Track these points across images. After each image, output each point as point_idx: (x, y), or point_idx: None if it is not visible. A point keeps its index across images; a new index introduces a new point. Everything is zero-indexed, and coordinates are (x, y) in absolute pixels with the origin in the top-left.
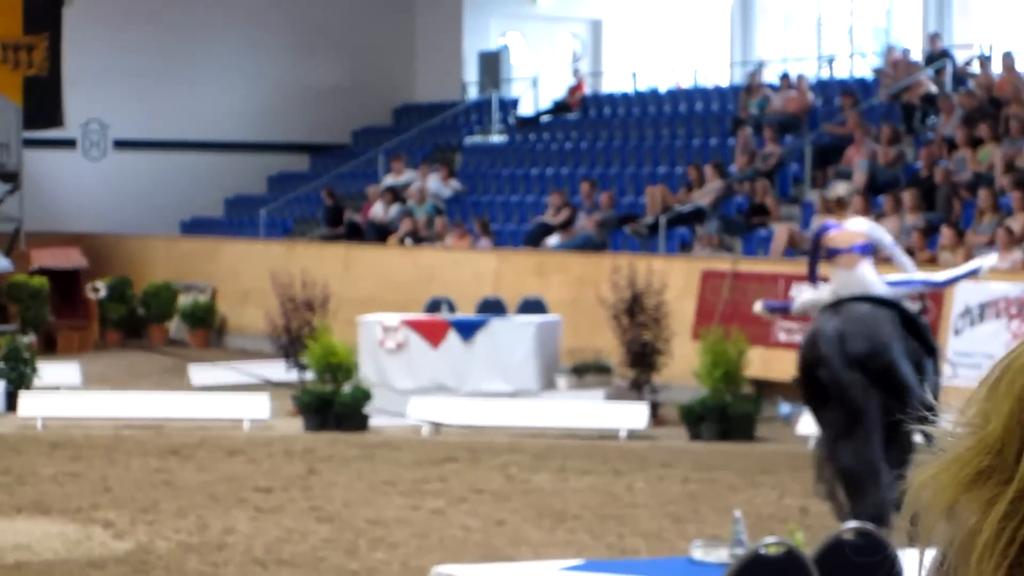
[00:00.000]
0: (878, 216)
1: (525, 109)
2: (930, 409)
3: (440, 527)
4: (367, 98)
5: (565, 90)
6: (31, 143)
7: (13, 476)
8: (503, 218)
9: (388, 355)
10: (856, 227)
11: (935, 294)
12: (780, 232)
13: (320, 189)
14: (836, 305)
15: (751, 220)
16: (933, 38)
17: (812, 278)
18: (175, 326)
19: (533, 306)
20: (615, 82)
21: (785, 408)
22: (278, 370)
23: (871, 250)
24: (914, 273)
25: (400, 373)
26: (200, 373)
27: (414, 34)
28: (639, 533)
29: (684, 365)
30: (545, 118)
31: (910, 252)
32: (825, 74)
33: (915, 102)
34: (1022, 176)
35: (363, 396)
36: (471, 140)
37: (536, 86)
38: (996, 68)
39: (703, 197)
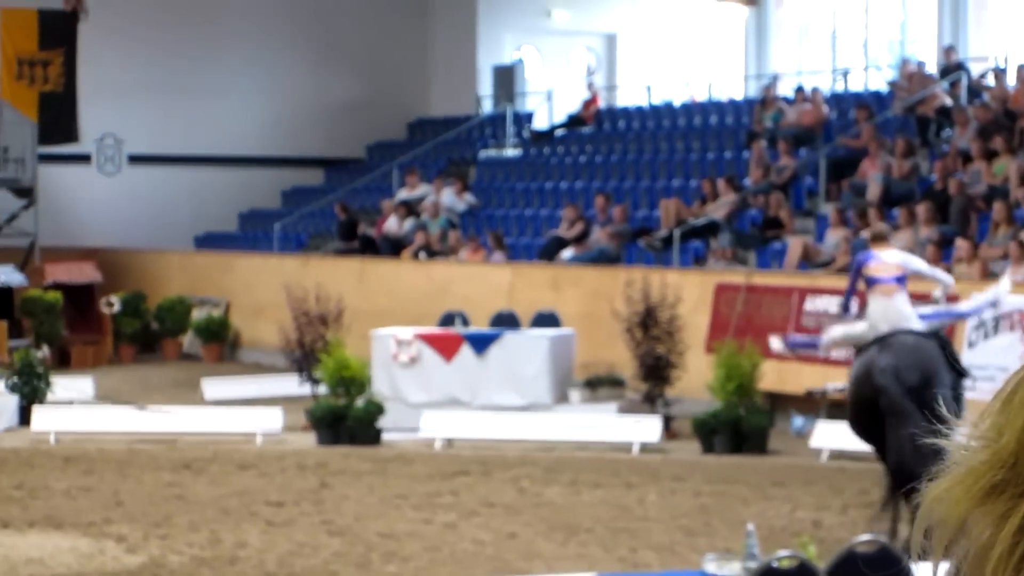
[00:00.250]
0: (893, 229)
1: (539, 123)
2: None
3: (452, 541)
4: (382, 112)
5: (579, 104)
6: (46, 158)
7: (26, 490)
8: (517, 232)
9: (401, 369)
10: (893, 259)
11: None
12: (794, 245)
13: (334, 203)
14: (882, 340)
15: (765, 233)
16: (948, 51)
17: (846, 306)
18: (189, 340)
19: (547, 319)
20: (629, 96)
21: (798, 421)
22: (291, 384)
23: (906, 280)
24: (941, 306)
25: (413, 387)
26: (213, 387)
27: (428, 48)
28: (651, 546)
29: (697, 378)
30: (559, 132)
31: None
32: (840, 87)
33: (930, 115)
34: None
35: (376, 410)
36: (485, 154)
37: (550, 100)
38: (1011, 81)
39: (717, 210)
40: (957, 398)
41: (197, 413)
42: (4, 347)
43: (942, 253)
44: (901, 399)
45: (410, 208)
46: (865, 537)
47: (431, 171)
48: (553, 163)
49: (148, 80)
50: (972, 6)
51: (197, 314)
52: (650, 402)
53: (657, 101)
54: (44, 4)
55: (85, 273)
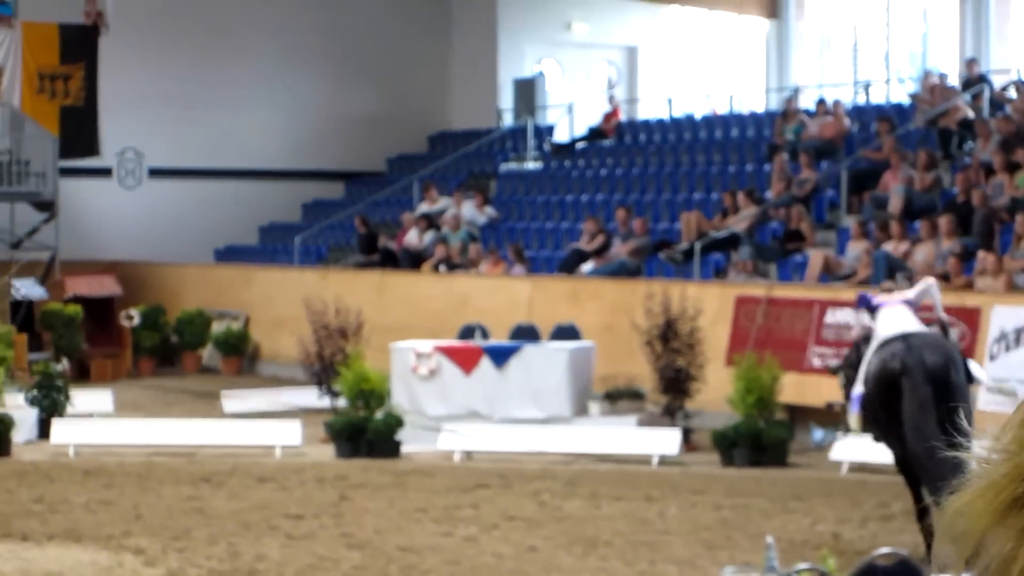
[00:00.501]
0: (914, 242)
1: (560, 136)
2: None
3: (472, 554)
4: (402, 125)
5: (600, 117)
6: (67, 172)
7: (46, 504)
8: (537, 245)
9: (421, 381)
10: (901, 296)
11: (971, 321)
12: (815, 258)
13: (355, 216)
14: (903, 336)
15: (786, 246)
16: (970, 63)
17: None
18: (208, 354)
19: (566, 332)
20: (650, 108)
21: (818, 434)
22: (310, 397)
23: (914, 305)
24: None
25: (433, 399)
26: (232, 401)
27: (449, 61)
28: (671, 560)
29: (717, 391)
30: (580, 144)
31: (946, 278)
32: (861, 100)
33: (952, 127)
34: None
35: (395, 423)
36: (506, 167)
37: (571, 113)
38: None
39: (738, 223)
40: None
41: (216, 426)
42: (24, 360)
43: (964, 266)
44: (923, 379)
45: (431, 221)
46: (885, 550)
47: (452, 184)
48: (574, 176)
49: (168, 93)
50: (994, 18)
51: (216, 327)
52: (670, 415)
53: (678, 114)
54: (65, 18)
55: (105, 286)
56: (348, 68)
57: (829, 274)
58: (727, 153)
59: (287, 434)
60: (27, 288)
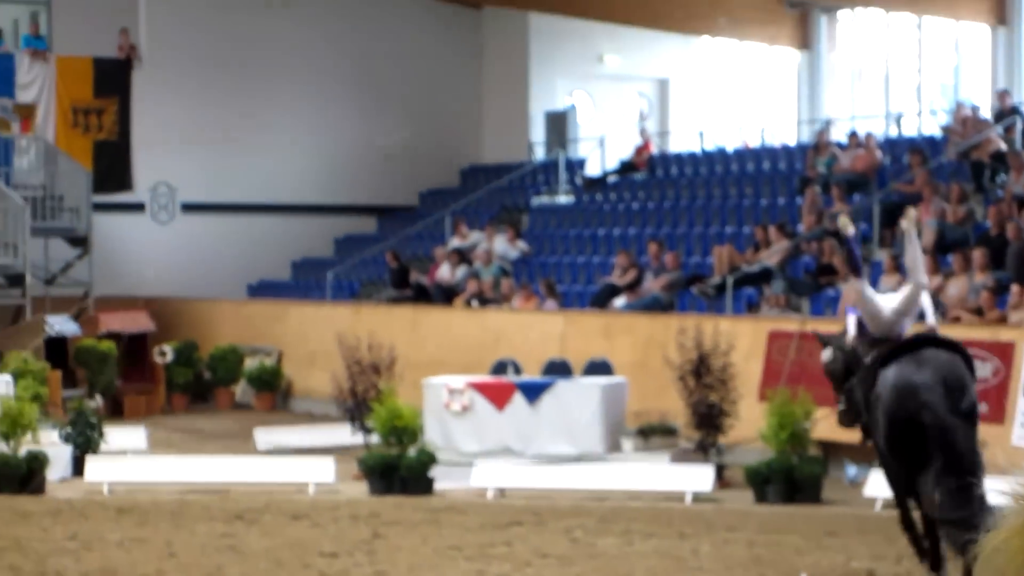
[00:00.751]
0: (947, 275)
1: (592, 169)
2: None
3: None
4: (434, 160)
5: (632, 150)
6: (100, 207)
7: (80, 541)
8: (570, 279)
9: (454, 417)
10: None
11: (1005, 355)
12: (848, 292)
13: (387, 251)
14: (913, 354)
15: (818, 280)
16: (1002, 95)
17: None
18: (241, 390)
19: (599, 368)
20: (682, 141)
21: (852, 470)
22: (344, 433)
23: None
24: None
25: (466, 436)
26: (266, 437)
27: (481, 95)
28: None
29: (750, 427)
30: (612, 178)
31: (979, 312)
32: (893, 132)
33: (984, 160)
34: None
35: (428, 459)
36: (538, 201)
37: (603, 146)
38: None
39: (770, 257)
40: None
41: (249, 463)
42: (58, 397)
43: (997, 300)
44: (947, 415)
45: (463, 256)
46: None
47: (483, 218)
48: (606, 210)
49: (201, 128)
50: None
51: (249, 363)
52: (703, 451)
53: (710, 147)
54: (99, 52)
55: (139, 322)
56: (380, 102)
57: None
58: (759, 186)
59: (320, 471)
60: (61, 324)
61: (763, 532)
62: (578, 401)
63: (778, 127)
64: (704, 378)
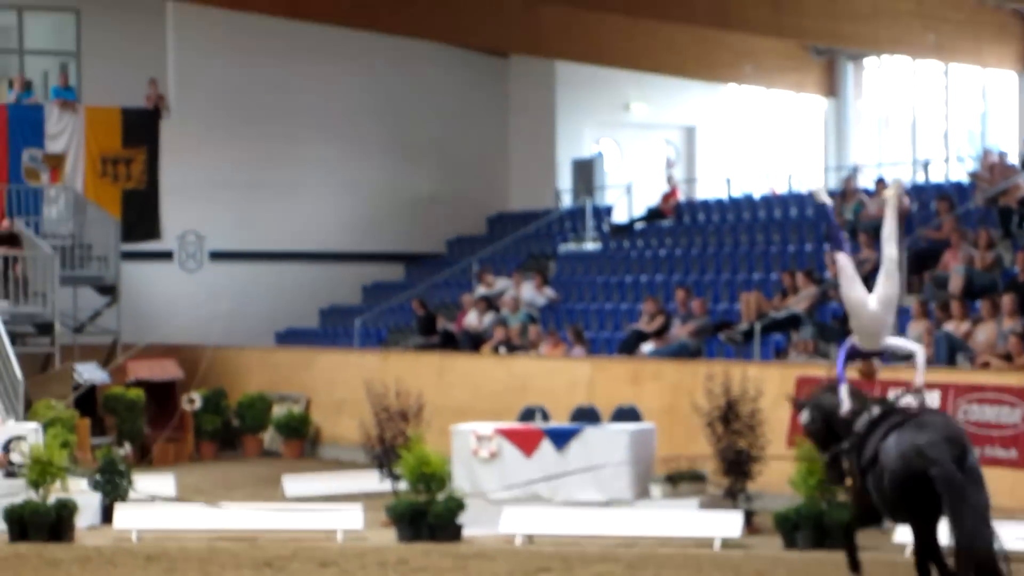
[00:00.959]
0: (975, 322)
1: (619, 216)
2: None
3: None
4: (461, 207)
5: (659, 197)
6: (129, 255)
7: None
8: (597, 326)
9: (481, 464)
10: None
11: None
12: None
13: (414, 299)
14: (911, 420)
15: (846, 327)
16: None
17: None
18: (269, 437)
19: (627, 414)
20: (709, 188)
21: None
22: (372, 480)
23: None
24: None
25: (493, 482)
26: (294, 484)
27: (508, 143)
28: None
29: (779, 473)
30: (639, 225)
31: (1008, 358)
32: (920, 178)
33: (1012, 206)
34: None
35: (456, 506)
36: (565, 248)
37: (630, 193)
38: None
39: (798, 303)
40: None
41: (278, 510)
42: (87, 445)
43: None
44: (955, 471)
45: (490, 303)
46: None
47: (511, 265)
48: (633, 257)
49: (229, 176)
50: None
51: (277, 411)
52: (731, 497)
53: (737, 194)
54: (128, 103)
55: (167, 370)
56: (407, 151)
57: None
58: (786, 233)
59: (349, 518)
60: (89, 372)
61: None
62: (606, 447)
63: (805, 174)
64: (732, 424)
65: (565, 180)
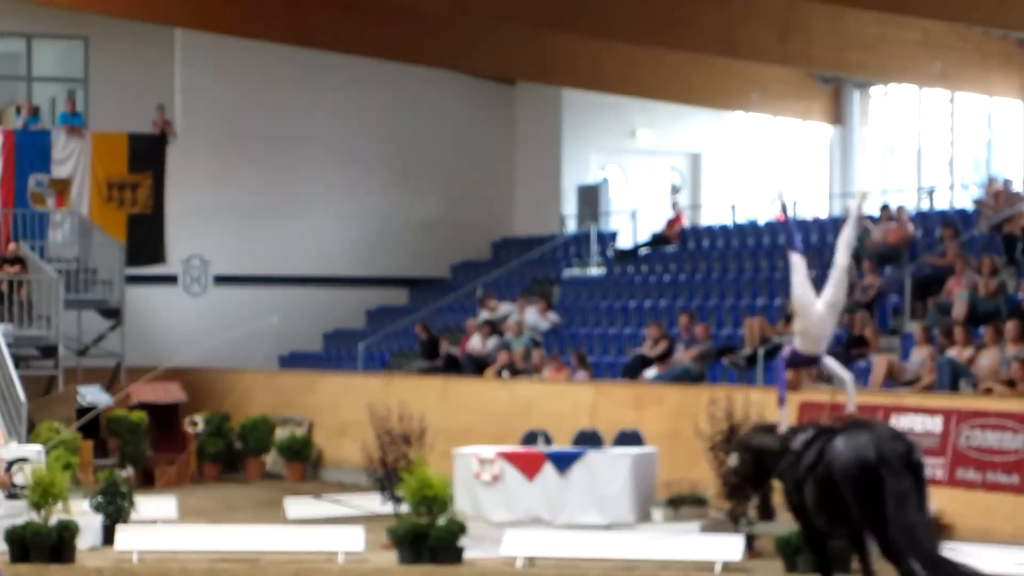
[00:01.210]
0: (978, 347)
1: (623, 242)
2: None
3: None
4: (466, 232)
5: (664, 223)
6: (133, 279)
7: None
8: (600, 350)
9: (484, 487)
10: None
11: None
12: (879, 364)
13: (417, 323)
14: (856, 426)
15: (850, 352)
16: None
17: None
18: (272, 460)
19: (630, 438)
20: (714, 214)
21: None
22: (373, 503)
23: None
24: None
25: (495, 505)
26: (296, 506)
27: (513, 168)
28: None
29: (782, 497)
30: (643, 250)
31: (1011, 384)
32: (925, 205)
33: (1017, 233)
34: None
35: (458, 529)
36: (569, 273)
37: (635, 219)
38: None
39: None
40: None
41: (279, 532)
42: (89, 466)
43: None
44: (904, 469)
45: (493, 327)
46: None
47: (515, 290)
48: (637, 282)
49: (234, 201)
50: None
51: (280, 433)
52: (733, 521)
53: (741, 220)
54: (134, 128)
55: (170, 393)
56: (412, 175)
57: (893, 380)
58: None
59: (350, 540)
60: (93, 395)
61: None
62: (608, 471)
63: (810, 200)
64: None
65: (570, 206)
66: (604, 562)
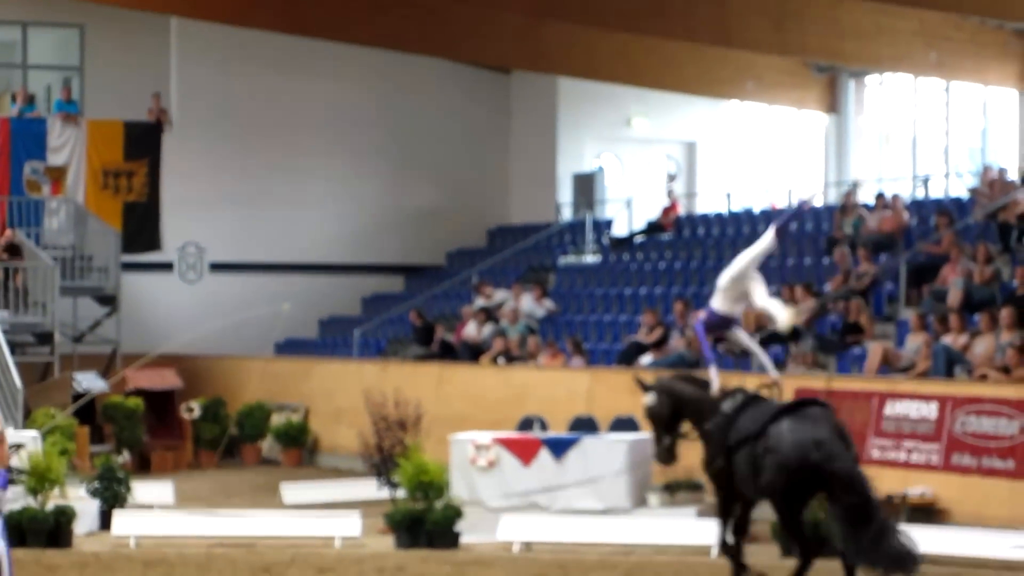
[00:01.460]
0: (973, 335)
1: (619, 229)
2: None
3: None
4: (462, 220)
5: (659, 211)
6: (129, 266)
7: None
8: (596, 337)
9: (480, 473)
10: None
11: None
12: (875, 350)
13: (413, 309)
14: (794, 412)
15: (845, 339)
16: None
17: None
18: (268, 446)
19: (625, 424)
20: (709, 202)
21: None
22: (370, 488)
23: None
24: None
25: (492, 491)
26: (292, 492)
27: (509, 157)
28: None
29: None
30: (639, 238)
31: (1006, 370)
32: (920, 194)
33: (1011, 221)
34: None
35: (454, 514)
36: (565, 260)
37: (630, 207)
38: None
39: (797, 316)
40: None
41: (276, 517)
42: (86, 452)
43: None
44: (853, 465)
45: (489, 314)
46: None
47: (511, 277)
48: (632, 269)
49: (230, 189)
50: None
51: (276, 419)
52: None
53: (736, 208)
54: (129, 116)
55: (166, 379)
56: (408, 164)
57: (888, 367)
58: (785, 246)
59: (347, 525)
60: (89, 381)
61: None
62: (604, 457)
63: (805, 188)
64: None
65: (566, 194)
66: (600, 547)
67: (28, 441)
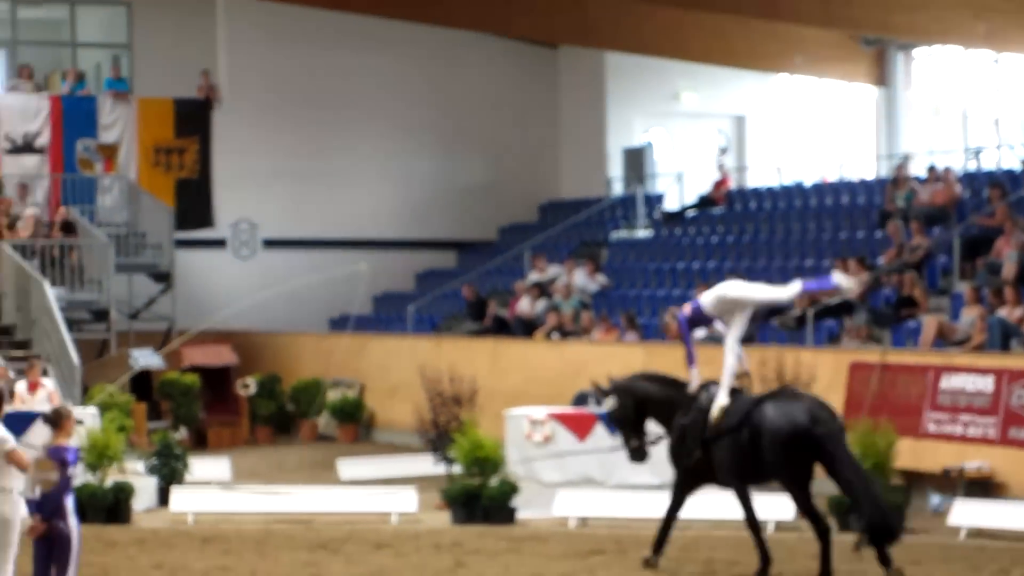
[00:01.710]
0: None
1: (670, 204)
2: None
3: None
4: (513, 195)
5: (710, 185)
6: (183, 243)
7: (166, 570)
8: (649, 312)
9: (535, 448)
10: None
11: None
12: (929, 323)
13: (465, 284)
14: (779, 394)
15: (899, 312)
16: None
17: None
18: (324, 422)
19: None
20: (760, 176)
21: (936, 499)
22: (426, 464)
23: None
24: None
25: (547, 466)
26: (348, 468)
27: (559, 132)
28: None
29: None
30: (690, 212)
31: None
32: (972, 166)
33: None
34: None
35: (510, 489)
36: (616, 235)
37: (681, 181)
38: None
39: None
40: None
41: (332, 493)
42: (143, 429)
43: None
44: (839, 431)
45: (542, 289)
46: None
47: (563, 252)
48: (684, 243)
49: (281, 165)
50: None
51: (332, 395)
52: None
53: (788, 181)
54: (180, 93)
55: (222, 356)
56: (459, 140)
57: (943, 340)
58: (838, 220)
59: (403, 501)
60: (145, 358)
61: (846, 561)
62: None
63: (856, 162)
64: None
65: (616, 168)
66: (656, 522)
67: (87, 418)
